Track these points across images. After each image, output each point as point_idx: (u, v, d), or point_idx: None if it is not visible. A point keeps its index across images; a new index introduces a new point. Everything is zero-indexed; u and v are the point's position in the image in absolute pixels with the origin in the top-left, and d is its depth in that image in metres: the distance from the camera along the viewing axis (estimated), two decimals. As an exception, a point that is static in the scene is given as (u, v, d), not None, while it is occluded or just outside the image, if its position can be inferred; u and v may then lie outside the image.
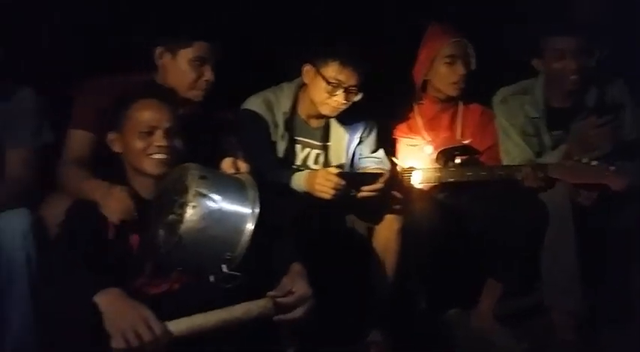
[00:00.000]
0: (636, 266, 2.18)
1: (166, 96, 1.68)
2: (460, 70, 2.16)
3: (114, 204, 1.56)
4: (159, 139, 1.59)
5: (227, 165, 1.64)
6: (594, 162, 1.91)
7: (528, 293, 2.13)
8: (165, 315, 1.50)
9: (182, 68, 1.79)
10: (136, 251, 1.59)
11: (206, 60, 1.79)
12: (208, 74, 1.79)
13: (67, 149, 1.78)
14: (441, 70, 2.18)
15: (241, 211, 1.48)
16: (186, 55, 1.78)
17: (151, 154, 1.59)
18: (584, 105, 2.13)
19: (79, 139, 1.79)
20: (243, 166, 1.64)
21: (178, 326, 1.41)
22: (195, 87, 1.80)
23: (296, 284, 1.53)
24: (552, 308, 2.01)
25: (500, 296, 2.08)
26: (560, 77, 2.08)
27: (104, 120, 1.67)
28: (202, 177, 1.48)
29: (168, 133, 1.61)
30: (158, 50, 1.82)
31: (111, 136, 1.65)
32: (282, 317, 1.49)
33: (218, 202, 1.46)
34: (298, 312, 1.51)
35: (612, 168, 1.90)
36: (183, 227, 1.43)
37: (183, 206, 1.44)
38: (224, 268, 1.44)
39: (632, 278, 2.18)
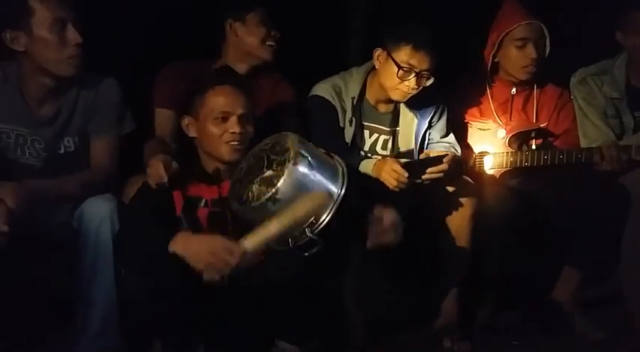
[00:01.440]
0: None
1: (240, 82, 1.73)
2: (531, 53, 2.08)
3: (150, 170, 1.64)
4: (233, 126, 1.64)
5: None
6: (682, 144, 1.82)
7: (607, 281, 2.07)
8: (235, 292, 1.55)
9: (252, 30, 1.99)
10: (205, 225, 1.65)
11: (268, 21, 2.02)
12: (274, 31, 2.02)
13: (155, 127, 1.94)
14: (511, 53, 2.10)
15: (331, 181, 1.54)
16: (253, 17, 2.00)
17: (227, 141, 1.64)
18: None
19: (162, 117, 1.95)
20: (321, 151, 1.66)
21: (252, 242, 1.48)
22: (265, 44, 2.00)
23: (386, 212, 1.62)
24: (630, 298, 1.93)
25: (578, 283, 2.02)
26: None
27: (181, 105, 1.74)
28: (302, 142, 1.56)
29: (242, 120, 1.66)
30: (228, 22, 2.00)
31: (187, 121, 1.71)
32: (377, 240, 1.56)
33: (313, 167, 1.52)
34: (391, 236, 1.59)
35: (702, 150, 1.81)
36: (282, 180, 1.48)
37: (284, 162, 1.51)
38: (307, 231, 1.48)
39: None
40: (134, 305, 1.63)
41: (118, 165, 1.81)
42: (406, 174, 1.83)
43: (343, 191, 1.53)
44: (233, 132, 1.64)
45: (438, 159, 1.90)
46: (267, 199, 1.49)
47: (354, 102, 2.05)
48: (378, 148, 2.10)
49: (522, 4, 2.14)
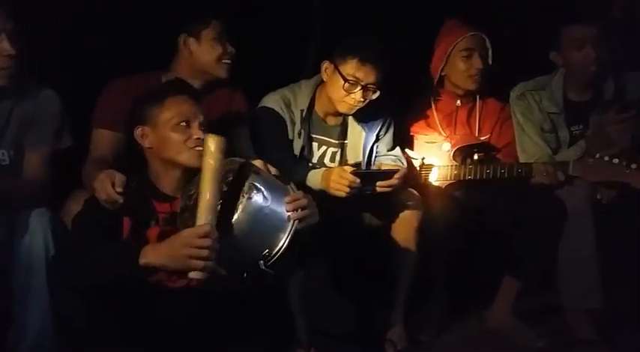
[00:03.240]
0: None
1: (196, 94, 1.71)
2: (477, 63, 2.15)
3: (96, 184, 1.57)
4: (197, 131, 1.62)
5: (260, 164, 1.64)
6: (616, 160, 1.90)
7: (547, 290, 2.13)
8: (183, 310, 1.54)
9: (207, 48, 1.93)
10: None
11: (224, 36, 1.95)
12: (226, 46, 1.95)
13: (90, 148, 1.85)
14: (458, 64, 2.16)
15: (284, 212, 1.50)
16: (208, 34, 1.93)
17: (191, 147, 1.61)
18: (602, 99, 2.11)
19: (100, 138, 1.85)
20: (273, 170, 1.66)
21: (203, 217, 1.44)
22: (221, 62, 1.94)
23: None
24: (567, 308, 2.00)
25: (517, 293, 2.08)
26: (580, 68, 2.06)
27: (131, 117, 1.69)
28: (256, 173, 1.52)
29: (203, 127, 1.64)
30: (182, 37, 1.94)
31: (142, 131, 1.65)
32: (295, 215, 1.52)
33: (267, 199, 1.49)
34: (307, 212, 1.53)
35: (633, 166, 1.89)
36: (236, 216, 1.45)
37: (237, 196, 1.46)
38: (260, 264, 1.47)
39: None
40: (73, 323, 1.58)
41: (55, 179, 1.75)
42: (357, 180, 1.85)
43: (293, 228, 1.50)
44: (198, 138, 1.61)
45: (389, 174, 1.92)
46: (221, 234, 1.45)
47: (303, 115, 2.06)
48: (327, 161, 2.12)
49: (463, 20, 2.21)
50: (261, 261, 1.47)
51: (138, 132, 1.65)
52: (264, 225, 1.49)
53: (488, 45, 2.18)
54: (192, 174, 1.63)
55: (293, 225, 1.50)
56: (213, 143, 1.49)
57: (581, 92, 2.14)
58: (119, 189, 1.57)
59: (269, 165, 1.65)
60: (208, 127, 1.65)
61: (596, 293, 1.96)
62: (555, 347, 1.99)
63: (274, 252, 1.49)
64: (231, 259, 1.50)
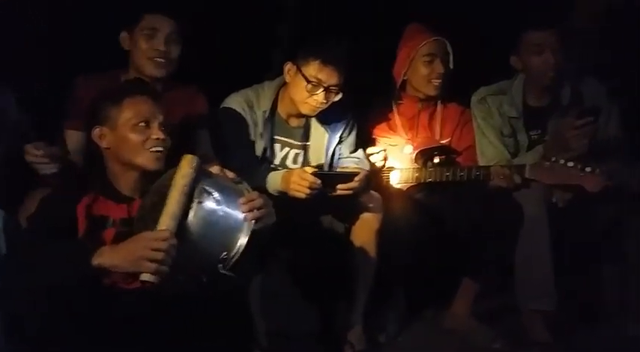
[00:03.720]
0: (609, 267, 2.23)
1: (155, 94, 1.69)
2: (439, 68, 2.17)
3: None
4: (156, 132, 1.60)
5: (216, 170, 1.63)
6: (570, 164, 1.93)
7: (504, 292, 2.16)
8: (139, 312, 1.52)
9: (137, 42, 1.88)
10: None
11: (157, 30, 1.88)
12: (157, 43, 1.88)
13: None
14: (420, 69, 2.19)
15: (239, 215, 1.49)
16: (139, 29, 1.89)
17: (150, 147, 1.59)
18: (560, 104, 2.16)
19: (69, 139, 1.87)
20: (231, 174, 1.64)
21: (165, 222, 1.43)
22: (149, 58, 1.88)
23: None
24: (523, 309, 2.03)
25: (475, 295, 2.11)
26: (538, 73, 2.10)
27: (89, 118, 1.66)
28: (207, 176, 1.50)
29: (162, 127, 1.62)
30: (122, 35, 1.91)
31: (99, 131, 1.62)
32: (251, 215, 1.51)
33: (220, 202, 1.47)
34: (263, 212, 1.53)
35: (588, 169, 1.92)
36: (188, 222, 1.44)
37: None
38: (220, 268, 1.46)
39: (606, 279, 2.23)
40: (24, 325, 1.55)
41: (12, 178, 1.72)
42: (318, 181, 1.85)
43: (250, 230, 1.49)
44: (157, 139, 1.58)
45: (349, 176, 1.92)
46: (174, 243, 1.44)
47: (266, 116, 2.05)
48: (289, 162, 2.12)
49: (425, 25, 2.23)
50: (220, 265, 1.46)
51: (96, 132, 1.62)
52: (219, 228, 1.47)
53: (450, 50, 2.20)
54: (150, 176, 1.61)
55: (250, 227, 1.49)
56: (187, 164, 1.48)
57: (539, 97, 2.18)
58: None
59: (226, 170, 1.63)
60: (169, 129, 1.63)
61: (550, 296, 1.99)
62: (511, 348, 2.02)
63: (232, 255, 1.47)
64: (187, 264, 1.49)
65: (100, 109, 1.63)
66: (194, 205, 1.44)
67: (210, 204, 1.46)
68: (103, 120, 1.62)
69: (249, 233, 1.49)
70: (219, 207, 1.47)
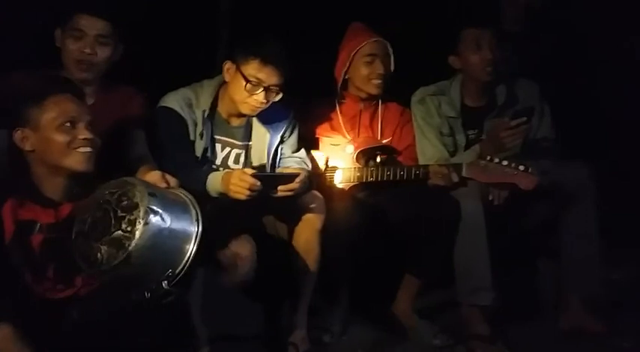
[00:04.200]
0: (545, 262, 2.31)
1: (79, 92, 1.62)
2: (379, 68, 2.19)
3: None
4: (83, 132, 1.54)
5: (157, 178, 1.60)
6: (505, 162, 1.99)
7: (445, 287, 2.20)
8: (70, 322, 1.47)
9: (65, 43, 1.86)
10: (38, 253, 1.52)
11: (84, 32, 1.85)
12: (83, 45, 1.85)
13: None
14: (361, 69, 2.20)
15: (187, 230, 1.49)
16: (68, 28, 1.86)
17: (77, 148, 1.53)
18: (495, 104, 2.22)
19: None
20: (172, 181, 1.62)
21: None
22: (74, 60, 1.85)
23: (241, 247, 1.64)
24: (463, 304, 2.07)
25: (417, 291, 2.14)
26: (477, 69, 2.15)
27: (11, 119, 1.58)
28: (151, 194, 1.47)
29: (90, 126, 1.56)
30: (57, 32, 1.87)
31: (22, 133, 1.54)
32: (233, 277, 1.56)
33: (167, 220, 1.45)
34: (241, 271, 1.58)
35: (521, 167, 1.98)
36: (134, 244, 1.41)
37: (133, 223, 1.42)
38: (164, 285, 1.45)
39: (541, 273, 2.31)
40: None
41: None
42: (258, 183, 1.82)
43: (195, 245, 1.48)
44: (84, 138, 1.53)
45: (290, 177, 1.91)
46: (119, 263, 1.41)
47: (205, 115, 2.02)
48: (230, 162, 2.09)
49: (367, 25, 2.25)
50: (165, 282, 1.45)
51: (17, 135, 1.54)
52: (165, 246, 1.46)
53: (390, 51, 2.23)
54: (79, 178, 1.55)
55: (195, 242, 1.48)
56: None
57: (476, 98, 2.23)
58: None
59: (167, 176, 1.61)
60: (98, 129, 1.58)
61: (489, 290, 2.04)
62: (452, 342, 2.07)
63: (177, 272, 1.47)
64: (133, 284, 1.47)
65: (20, 110, 1.55)
66: (140, 227, 1.41)
67: (156, 224, 1.44)
68: (25, 122, 1.54)
69: (196, 248, 1.48)
70: (166, 226, 1.45)
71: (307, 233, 1.99)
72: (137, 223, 1.42)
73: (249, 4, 2.71)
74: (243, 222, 1.97)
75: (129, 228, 1.42)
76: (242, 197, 1.83)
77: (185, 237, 1.48)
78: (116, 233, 1.43)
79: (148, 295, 1.45)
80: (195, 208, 1.53)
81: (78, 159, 1.53)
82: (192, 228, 1.50)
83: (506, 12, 2.50)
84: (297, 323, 1.99)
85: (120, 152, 1.87)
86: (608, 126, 2.66)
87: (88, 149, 1.54)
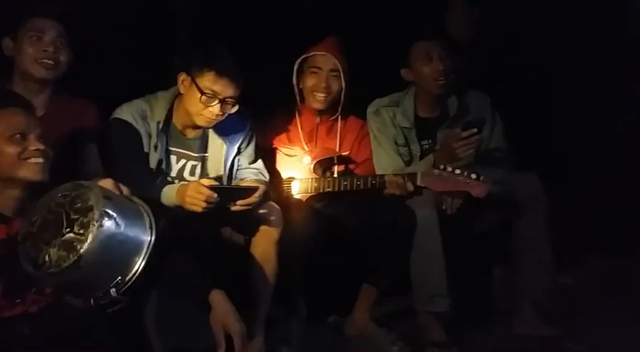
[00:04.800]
0: (499, 268, 2.36)
1: (28, 105, 1.61)
2: (321, 81, 2.21)
3: None
4: (34, 143, 1.52)
5: (110, 185, 1.58)
6: (457, 171, 2.03)
7: (403, 295, 2.22)
8: (20, 340, 1.43)
9: (23, 46, 1.84)
10: None
11: (44, 33, 1.86)
12: (45, 45, 1.85)
13: None
14: (306, 80, 2.24)
15: (139, 237, 1.47)
16: (24, 32, 1.85)
17: (28, 158, 1.51)
18: (448, 115, 2.27)
19: None
20: (125, 189, 1.60)
21: None
22: (36, 60, 1.85)
23: (228, 326, 1.61)
24: (420, 311, 2.10)
25: (375, 299, 2.16)
26: (429, 81, 2.20)
27: None
28: (107, 197, 1.44)
29: (41, 138, 1.54)
30: (4, 41, 1.86)
31: None
32: None
33: (121, 225, 1.43)
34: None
35: (473, 176, 2.03)
36: (86, 247, 1.38)
37: (87, 225, 1.39)
38: (112, 292, 1.42)
39: (496, 279, 2.37)
40: None
41: None
42: (215, 195, 1.82)
43: (147, 253, 1.47)
44: (36, 149, 1.51)
45: (247, 191, 1.90)
46: (69, 266, 1.38)
47: (160, 127, 2.00)
48: (186, 174, 2.07)
49: (339, 40, 2.27)
50: (113, 289, 1.42)
51: None
52: (117, 251, 1.43)
53: (339, 67, 2.21)
54: (33, 192, 1.53)
55: (148, 251, 1.46)
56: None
57: (429, 109, 2.28)
58: None
59: (120, 185, 1.59)
60: (55, 144, 1.56)
61: (444, 297, 2.08)
62: (410, 350, 2.09)
63: (127, 280, 1.44)
64: (80, 288, 1.44)
65: None
66: (94, 229, 1.39)
67: (110, 228, 1.42)
68: None
69: (147, 256, 1.46)
70: (120, 231, 1.43)
71: (264, 244, 1.99)
72: (91, 226, 1.39)
73: (207, 13, 2.71)
74: (199, 233, 1.97)
75: (81, 231, 1.39)
76: (198, 209, 1.82)
77: (137, 245, 1.46)
78: (68, 235, 1.40)
79: (93, 303, 1.41)
80: (149, 216, 1.51)
81: (31, 169, 1.52)
82: (146, 237, 1.48)
83: (454, 23, 2.56)
84: (254, 334, 1.98)
85: (73, 166, 1.85)
86: (558, 136, 2.76)
87: (40, 160, 1.53)
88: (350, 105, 2.29)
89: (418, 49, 2.20)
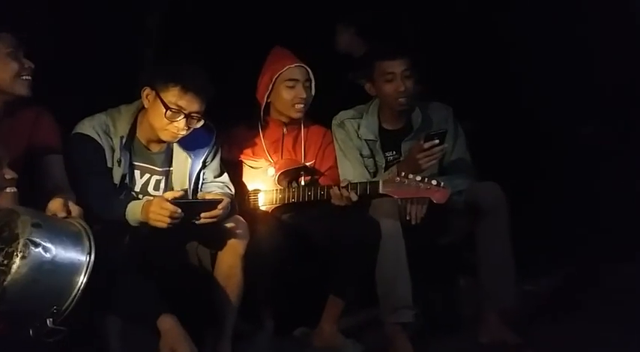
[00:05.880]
0: (464, 278, 2.39)
1: None
2: (301, 93, 2.22)
3: None
4: (8, 172, 1.52)
5: (57, 206, 1.56)
6: (418, 178, 2.04)
7: (370, 306, 2.23)
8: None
9: (3, 62, 1.78)
10: None
11: (20, 51, 1.82)
12: (27, 61, 1.81)
13: None
14: (282, 93, 2.23)
15: (75, 262, 1.42)
16: (1, 48, 1.79)
17: (4, 189, 1.51)
18: (412, 127, 2.31)
19: None
20: (75, 209, 1.57)
21: None
22: (20, 78, 1.80)
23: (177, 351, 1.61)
24: (386, 322, 2.11)
25: (341, 311, 2.16)
26: (391, 99, 2.23)
27: None
28: (35, 225, 1.40)
29: (10, 165, 1.53)
30: None
31: None
32: None
33: (51, 252, 1.38)
34: None
35: (434, 182, 2.04)
36: (10, 279, 1.34)
37: (11, 256, 1.35)
38: (49, 322, 1.37)
39: (461, 288, 2.39)
40: None
41: None
42: (179, 210, 1.80)
43: (85, 279, 1.42)
44: (12, 178, 1.51)
45: (212, 204, 1.89)
46: None
47: (123, 142, 1.98)
48: (150, 189, 2.06)
49: (288, 50, 2.29)
50: (49, 319, 1.38)
51: None
52: (46, 280, 1.38)
53: (311, 76, 2.26)
54: None
55: (85, 275, 1.41)
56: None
57: (393, 121, 2.31)
58: None
59: (71, 204, 1.56)
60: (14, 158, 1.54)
61: (410, 308, 2.09)
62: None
63: (64, 308, 1.40)
64: (15, 320, 1.40)
65: None
66: (17, 260, 1.34)
67: (37, 256, 1.36)
68: None
69: (85, 282, 1.41)
70: (49, 259, 1.38)
71: (230, 259, 1.98)
72: (14, 256, 1.34)
73: (174, 26, 2.71)
74: (164, 248, 1.95)
75: (5, 261, 1.34)
76: (163, 225, 1.81)
77: (73, 270, 1.41)
78: None
79: (32, 334, 1.37)
80: (89, 238, 1.46)
81: (4, 198, 1.50)
82: (82, 259, 1.43)
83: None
84: (221, 349, 1.97)
85: (32, 179, 1.81)
86: (519, 144, 2.82)
87: (14, 189, 1.52)
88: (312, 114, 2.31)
89: (380, 67, 2.22)
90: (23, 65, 1.80)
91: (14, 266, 1.34)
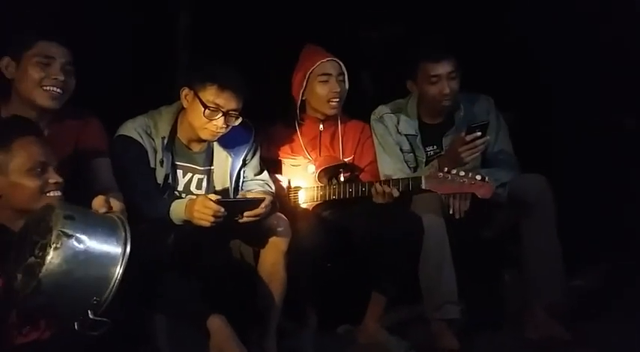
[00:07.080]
0: (509, 272, 2.34)
1: (40, 131, 1.62)
2: (334, 87, 2.21)
3: None
4: (54, 175, 1.54)
5: (99, 203, 1.58)
6: (462, 173, 2.01)
7: (415, 302, 2.20)
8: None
9: (26, 72, 1.73)
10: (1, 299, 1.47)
11: (53, 59, 1.75)
12: (54, 72, 1.74)
13: None
14: (316, 89, 2.22)
15: (110, 253, 1.42)
16: (30, 55, 1.74)
17: (48, 192, 1.52)
18: (453, 121, 2.27)
19: None
20: (116, 205, 1.59)
21: None
22: (42, 87, 1.74)
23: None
24: (431, 319, 2.09)
25: (385, 307, 2.14)
26: (434, 100, 2.20)
27: None
28: (68, 217, 1.41)
29: (58, 169, 1.55)
30: (4, 61, 1.76)
31: None
32: None
33: (84, 243, 1.39)
34: None
35: (478, 177, 2.01)
36: (44, 270, 1.35)
37: (45, 247, 1.37)
38: (90, 314, 1.38)
39: (507, 284, 2.34)
40: None
41: None
42: (222, 209, 1.81)
43: (121, 269, 1.42)
44: (56, 182, 1.53)
45: (255, 203, 1.90)
46: (32, 292, 1.35)
47: (165, 142, 2.01)
48: (193, 188, 2.08)
49: (319, 47, 2.28)
50: (90, 311, 1.39)
51: None
52: (83, 272, 1.39)
53: (344, 70, 2.24)
54: None
55: (122, 265, 1.42)
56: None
57: (434, 116, 2.28)
58: None
59: (112, 200, 1.58)
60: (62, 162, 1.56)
61: (455, 304, 2.06)
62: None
63: (104, 299, 1.40)
64: (57, 314, 1.42)
65: None
66: (50, 251, 1.35)
67: (70, 247, 1.38)
68: None
69: (122, 271, 1.41)
70: (83, 249, 1.39)
71: (273, 256, 1.99)
72: (48, 247, 1.36)
73: (208, 27, 2.73)
74: (209, 246, 1.97)
75: (40, 254, 1.37)
76: (206, 224, 1.82)
77: (109, 261, 1.41)
78: (30, 259, 1.38)
79: (77, 327, 1.38)
80: (125, 230, 1.47)
81: (49, 203, 1.51)
82: (118, 250, 1.43)
83: None
84: (266, 348, 1.97)
85: (82, 182, 1.84)
86: (565, 137, 2.74)
87: (59, 193, 1.54)
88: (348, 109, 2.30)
89: (425, 68, 2.18)
90: (49, 75, 1.74)
91: (48, 258, 1.36)
